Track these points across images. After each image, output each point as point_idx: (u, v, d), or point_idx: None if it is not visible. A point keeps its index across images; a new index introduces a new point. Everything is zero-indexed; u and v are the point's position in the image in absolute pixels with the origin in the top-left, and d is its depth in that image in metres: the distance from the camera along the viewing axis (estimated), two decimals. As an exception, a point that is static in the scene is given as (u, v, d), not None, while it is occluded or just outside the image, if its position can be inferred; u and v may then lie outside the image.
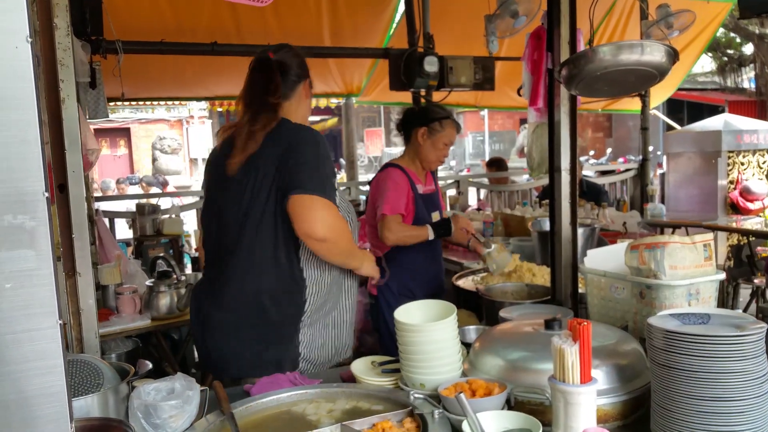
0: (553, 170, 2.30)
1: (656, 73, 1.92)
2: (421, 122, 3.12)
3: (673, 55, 1.89)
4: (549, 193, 2.38)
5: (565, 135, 2.26)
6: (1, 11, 0.71)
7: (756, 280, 5.12)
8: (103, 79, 4.47)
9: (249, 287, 2.03)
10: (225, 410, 1.58)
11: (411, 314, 1.77)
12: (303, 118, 2.22)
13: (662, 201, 7.26)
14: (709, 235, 1.98)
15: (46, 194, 0.72)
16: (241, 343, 2.06)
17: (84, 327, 1.76)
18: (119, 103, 5.38)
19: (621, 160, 23.61)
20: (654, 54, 1.86)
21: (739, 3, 2.94)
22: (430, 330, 1.66)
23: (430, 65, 4.89)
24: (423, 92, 5.37)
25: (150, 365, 3.49)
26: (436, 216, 3.22)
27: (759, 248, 5.93)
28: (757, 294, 5.19)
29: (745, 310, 5.66)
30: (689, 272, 1.90)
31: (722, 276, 1.96)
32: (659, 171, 8.94)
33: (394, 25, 6.09)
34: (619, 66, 1.87)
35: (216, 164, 2.15)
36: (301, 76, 2.19)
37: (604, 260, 2.16)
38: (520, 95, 2.85)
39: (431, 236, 3.03)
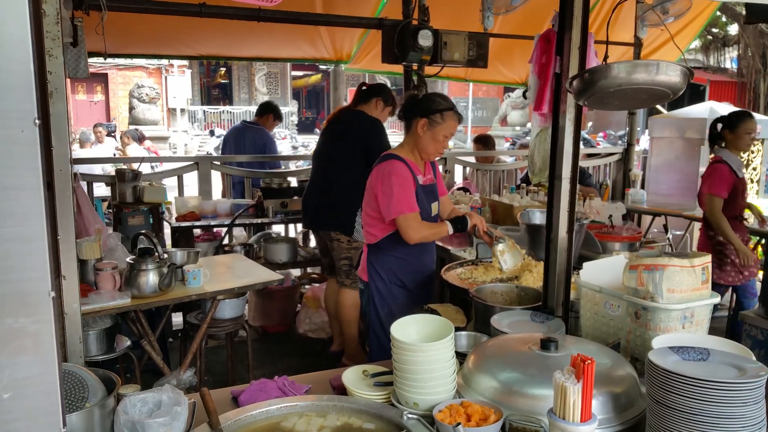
0: (554, 177, 2.26)
1: (669, 93, 1.87)
2: (422, 113, 3.00)
3: (689, 75, 1.84)
4: (548, 199, 2.34)
5: (568, 143, 2.20)
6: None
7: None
8: (85, 36, 4.27)
9: None
10: (214, 425, 1.54)
11: (407, 330, 1.73)
12: None
13: (643, 186, 7.28)
14: (708, 258, 1.96)
15: (52, 294, 0.65)
16: None
17: (68, 331, 1.68)
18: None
19: (601, 134, 23.69)
20: (669, 74, 1.81)
21: (747, 8, 2.89)
22: (426, 350, 1.62)
23: (425, 39, 4.75)
24: (415, 66, 5.24)
25: (129, 342, 3.42)
26: (435, 207, 3.16)
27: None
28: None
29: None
30: (686, 296, 1.89)
31: (717, 299, 1.95)
32: (637, 147, 8.91)
33: (389, -7, 5.91)
34: (632, 84, 1.81)
35: None
36: None
37: (600, 273, 2.14)
38: (525, 98, 2.77)
39: (450, 232, 3.12)
